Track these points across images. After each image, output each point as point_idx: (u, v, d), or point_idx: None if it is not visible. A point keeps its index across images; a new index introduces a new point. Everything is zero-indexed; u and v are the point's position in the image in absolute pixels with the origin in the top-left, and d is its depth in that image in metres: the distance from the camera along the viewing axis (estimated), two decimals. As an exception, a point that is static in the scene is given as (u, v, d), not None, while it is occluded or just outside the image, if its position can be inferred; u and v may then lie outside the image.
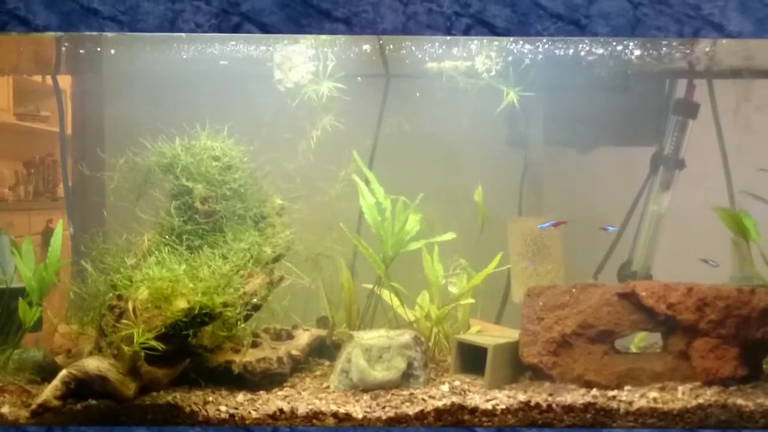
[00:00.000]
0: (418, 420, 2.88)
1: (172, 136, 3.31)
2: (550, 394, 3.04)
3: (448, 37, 2.85)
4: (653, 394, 3.01)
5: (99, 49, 3.46)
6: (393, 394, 3.07)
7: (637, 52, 3.34)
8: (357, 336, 3.25)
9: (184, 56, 3.42)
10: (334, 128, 3.61)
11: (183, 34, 2.85)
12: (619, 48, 3.27)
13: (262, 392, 3.10)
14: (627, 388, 3.08)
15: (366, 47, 3.40)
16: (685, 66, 3.71)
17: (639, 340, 3.54)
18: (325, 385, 3.21)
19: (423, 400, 3.01)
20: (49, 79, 4.31)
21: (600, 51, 3.30)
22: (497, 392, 3.09)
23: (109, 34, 2.89)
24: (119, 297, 2.93)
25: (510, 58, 3.37)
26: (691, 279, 3.22)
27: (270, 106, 3.61)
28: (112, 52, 3.48)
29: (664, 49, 3.25)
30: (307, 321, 3.65)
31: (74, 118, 4.28)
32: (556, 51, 3.27)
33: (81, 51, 3.54)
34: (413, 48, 3.42)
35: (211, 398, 3.01)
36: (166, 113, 3.50)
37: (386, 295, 3.59)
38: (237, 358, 3.12)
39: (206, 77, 3.83)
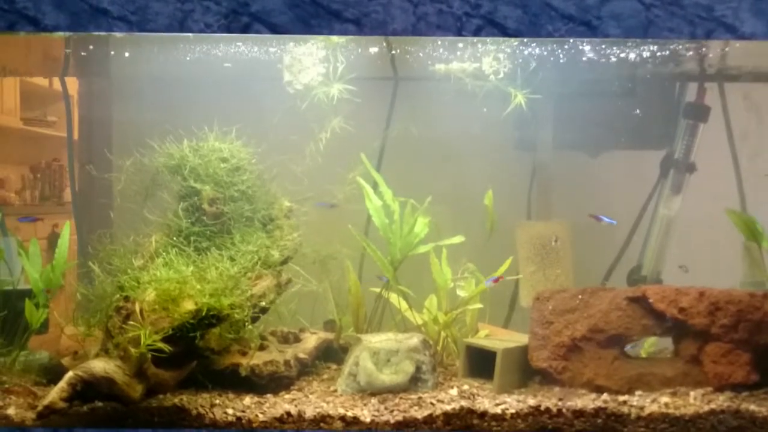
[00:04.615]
0: (427, 424, 2.86)
1: (180, 137, 3.30)
2: (560, 399, 3.01)
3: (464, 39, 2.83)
4: (665, 399, 2.98)
5: (112, 52, 3.46)
6: (401, 398, 3.04)
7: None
8: (365, 339, 3.23)
9: (190, 57, 3.41)
10: (343, 130, 3.59)
11: (192, 35, 2.84)
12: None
13: (269, 395, 3.09)
14: (638, 393, 3.05)
15: (373, 50, 3.39)
16: (696, 68, 3.70)
17: (649, 345, 3.51)
18: (332, 388, 3.19)
19: (431, 404, 2.98)
20: (55, 84, 4.31)
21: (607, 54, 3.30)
22: (507, 396, 3.06)
23: (118, 35, 2.88)
24: (126, 298, 2.91)
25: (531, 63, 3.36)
26: (702, 283, 3.19)
27: (279, 107, 3.59)
28: (126, 54, 3.48)
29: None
30: (315, 324, 3.63)
31: (81, 120, 4.27)
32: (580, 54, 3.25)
33: (88, 53, 3.54)
34: (420, 54, 3.42)
35: (218, 401, 2.99)
36: (174, 115, 3.49)
37: (394, 298, 3.57)
38: (244, 361, 3.10)
39: (215, 79, 3.82)
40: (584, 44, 3.22)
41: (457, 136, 3.92)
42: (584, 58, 3.37)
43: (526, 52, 3.32)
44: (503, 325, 3.79)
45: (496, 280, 3.36)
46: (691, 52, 3.39)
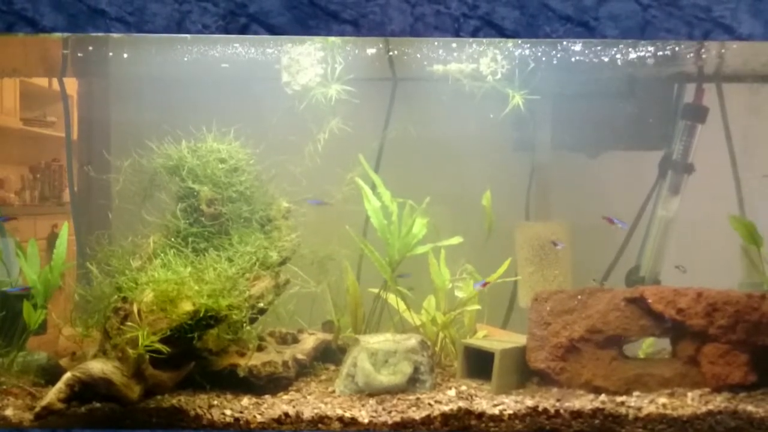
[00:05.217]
0: (425, 425, 2.86)
1: (179, 138, 3.30)
2: (558, 400, 3.01)
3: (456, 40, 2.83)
4: (662, 400, 2.98)
5: (110, 53, 3.46)
6: (399, 399, 3.04)
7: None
8: (363, 340, 3.23)
9: (188, 58, 3.41)
10: (341, 131, 3.59)
11: (189, 36, 2.84)
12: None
13: (267, 396, 3.09)
14: (636, 393, 3.05)
15: (371, 51, 3.39)
16: (694, 69, 3.70)
17: (647, 346, 3.51)
18: (330, 389, 3.19)
19: (429, 404, 2.98)
20: (55, 84, 4.31)
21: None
22: (504, 397, 3.06)
23: (116, 35, 2.88)
24: (124, 299, 2.91)
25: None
26: (701, 284, 3.19)
27: (277, 108, 3.59)
28: (125, 55, 3.48)
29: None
30: (313, 325, 3.63)
31: (80, 121, 4.28)
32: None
33: (87, 54, 3.54)
34: (418, 54, 3.42)
35: (216, 402, 2.99)
36: (172, 115, 3.49)
37: (392, 299, 3.57)
38: (242, 362, 3.10)
39: (213, 79, 3.82)
40: (581, 44, 3.22)
41: (456, 136, 3.92)
42: (583, 59, 3.37)
43: (517, 53, 3.32)
44: (501, 325, 3.79)
45: (484, 285, 3.36)
46: (691, 54, 3.39)
